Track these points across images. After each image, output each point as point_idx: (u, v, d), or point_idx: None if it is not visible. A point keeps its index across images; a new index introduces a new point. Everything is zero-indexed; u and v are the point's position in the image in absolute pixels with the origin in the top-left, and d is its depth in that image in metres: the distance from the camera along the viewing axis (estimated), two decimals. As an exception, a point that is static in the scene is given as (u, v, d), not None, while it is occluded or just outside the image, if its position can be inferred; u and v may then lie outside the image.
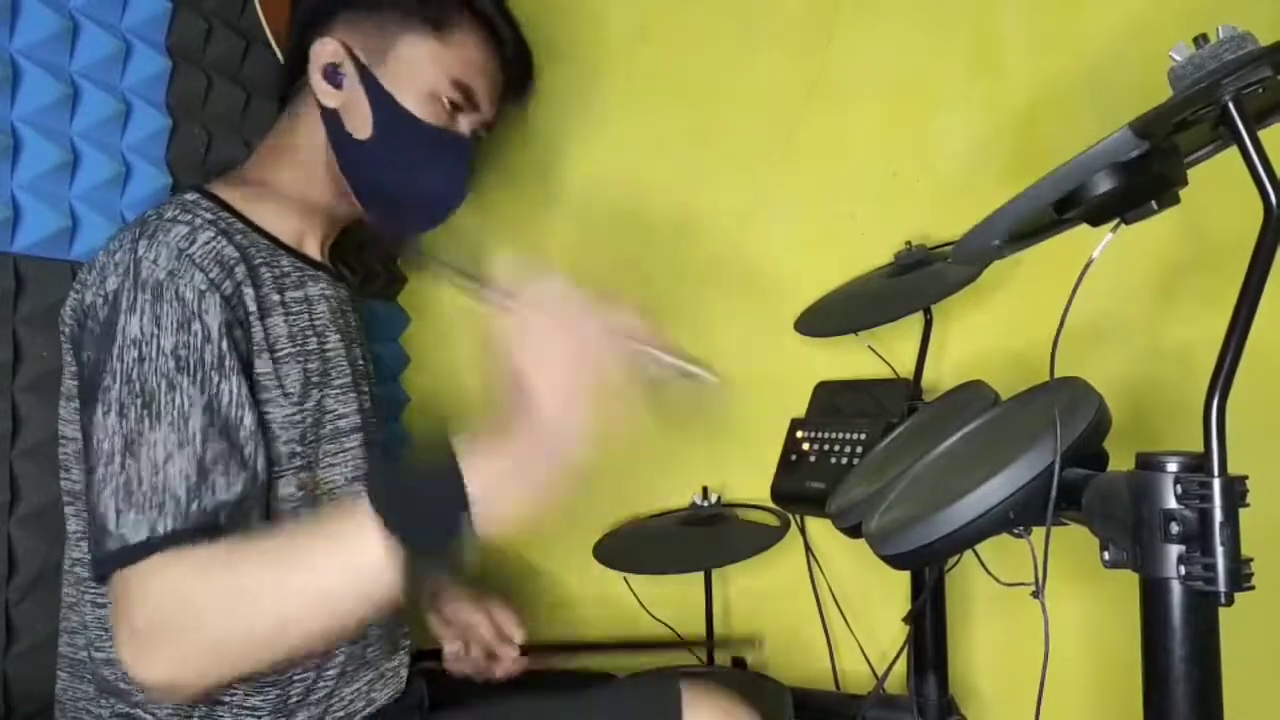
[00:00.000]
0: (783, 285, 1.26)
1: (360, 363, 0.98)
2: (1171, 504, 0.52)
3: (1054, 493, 0.59)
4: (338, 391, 0.91)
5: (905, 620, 1.11)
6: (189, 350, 0.72)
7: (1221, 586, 0.50)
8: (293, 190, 0.91)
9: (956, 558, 0.98)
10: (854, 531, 0.82)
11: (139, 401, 0.69)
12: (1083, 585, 1.05)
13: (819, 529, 1.24)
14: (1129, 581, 0.55)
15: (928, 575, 1.06)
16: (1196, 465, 0.52)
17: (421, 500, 0.66)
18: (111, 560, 0.66)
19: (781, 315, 1.21)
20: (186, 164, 1.04)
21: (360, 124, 0.88)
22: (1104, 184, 0.61)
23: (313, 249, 0.94)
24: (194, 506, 0.68)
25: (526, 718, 0.90)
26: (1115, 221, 0.65)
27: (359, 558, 0.64)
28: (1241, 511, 0.50)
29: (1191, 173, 0.63)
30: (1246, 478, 0.51)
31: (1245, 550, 0.50)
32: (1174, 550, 0.52)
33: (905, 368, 1.16)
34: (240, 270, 0.79)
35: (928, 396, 1.10)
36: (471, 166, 0.96)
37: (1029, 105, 1.15)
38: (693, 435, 1.32)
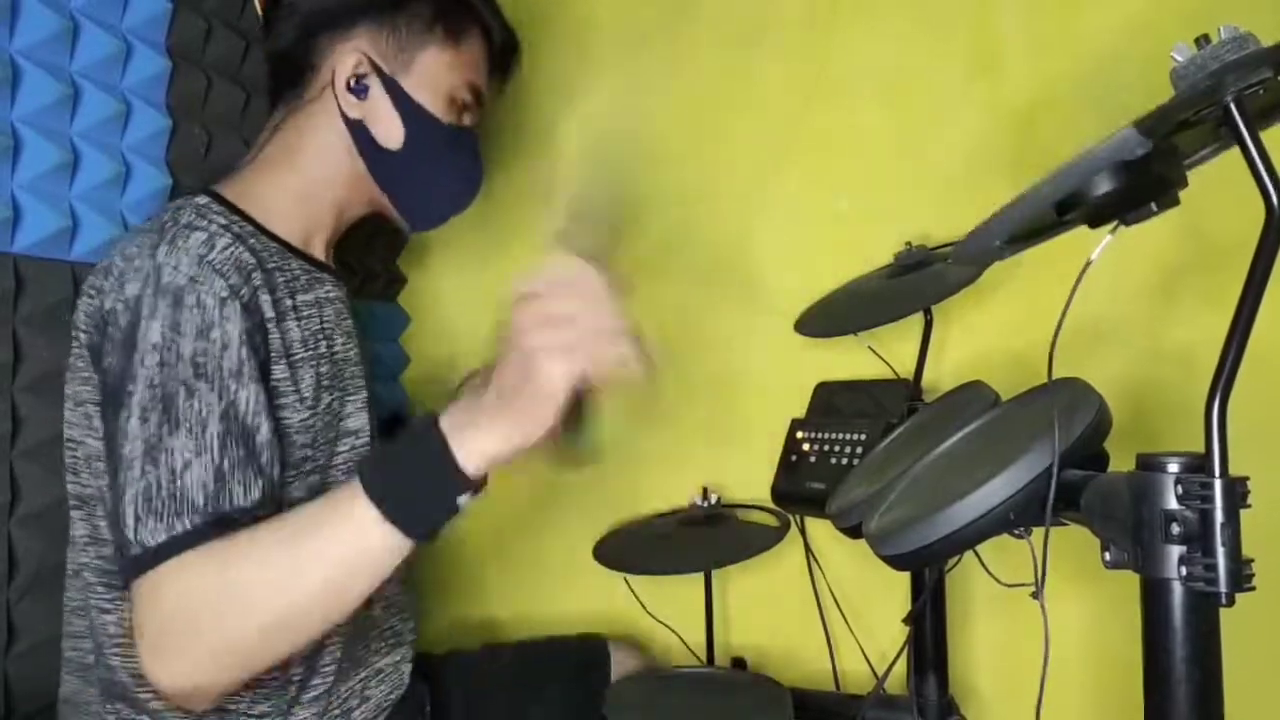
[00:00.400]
0: (783, 285, 1.26)
1: (363, 364, 0.98)
2: (1172, 505, 0.52)
3: (1053, 493, 0.59)
4: (348, 394, 0.92)
5: (905, 621, 1.11)
6: (208, 357, 0.72)
7: (1223, 587, 0.50)
8: (301, 192, 0.91)
9: (957, 558, 0.98)
10: (854, 532, 0.82)
11: (159, 407, 0.70)
12: (1083, 586, 1.05)
13: (819, 529, 1.24)
14: (1129, 582, 0.55)
15: (928, 576, 1.06)
16: (1197, 466, 0.52)
17: (404, 461, 0.68)
18: (132, 567, 0.67)
19: (781, 316, 1.21)
20: (186, 164, 1.04)
21: (389, 133, 0.91)
22: (1104, 185, 0.61)
23: (319, 250, 0.95)
24: (210, 513, 0.68)
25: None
26: (1114, 223, 0.65)
27: (359, 537, 0.66)
28: (1242, 512, 0.50)
29: (1191, 174, 0.63)
30: (1248, 478, 0.51)
31: (1246, 551, 0.50)
32: (1175, 551, 0.51)
33: (905, 368, 1.16)
34: (257, 276, 0.79)
35: (928, 397, 1.10)
36: (480, 154, 1.02)
37: (1029, 106, 1.15)
38: (693, 435, 1.32)
